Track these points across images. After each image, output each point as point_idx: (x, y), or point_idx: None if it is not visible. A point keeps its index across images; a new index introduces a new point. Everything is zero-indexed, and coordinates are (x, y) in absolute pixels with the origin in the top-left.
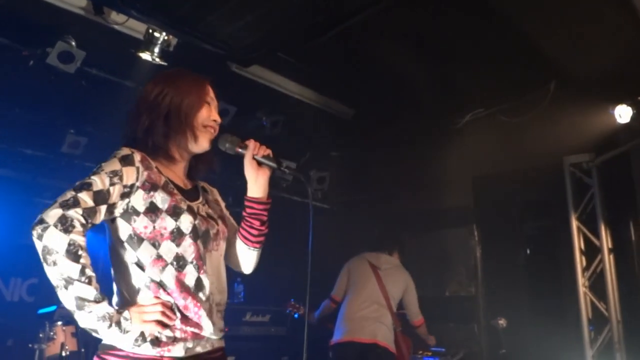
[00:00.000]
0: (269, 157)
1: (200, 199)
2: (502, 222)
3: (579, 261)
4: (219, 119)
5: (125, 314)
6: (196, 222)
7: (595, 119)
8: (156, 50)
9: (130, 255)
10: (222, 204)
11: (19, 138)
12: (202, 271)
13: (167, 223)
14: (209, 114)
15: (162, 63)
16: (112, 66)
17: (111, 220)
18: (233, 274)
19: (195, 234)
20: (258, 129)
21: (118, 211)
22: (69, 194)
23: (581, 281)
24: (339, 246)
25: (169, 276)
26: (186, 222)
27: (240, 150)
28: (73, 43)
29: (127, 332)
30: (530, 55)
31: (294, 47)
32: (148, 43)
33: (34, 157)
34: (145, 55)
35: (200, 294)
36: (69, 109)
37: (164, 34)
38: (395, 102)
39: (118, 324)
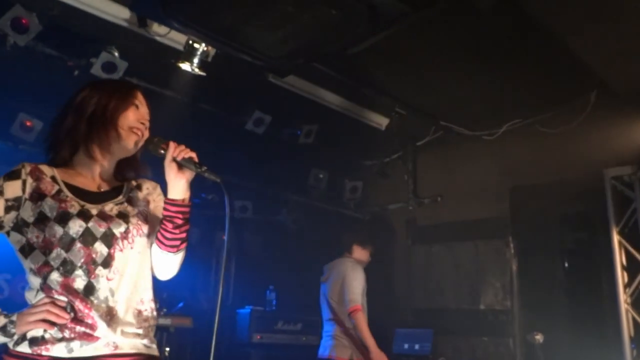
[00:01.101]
0: (190, 159)
1: (119, 197)
2: (540, 235)
3: (621, 277)
4: (146, 122)
5: (14, 317)
6: (89, 224)
7: (638, 130)
8: (195, 60)
9: (26, 263)
10: (156, 202)
11: None
12: (93, 276)
13: (56, 230)
14: (135, 116)
15: (201, 73)
16: (152, 76)
17: (7, 233)
18: (266, 281)
19: (87, 237)
20: (292, 137)
21: (8, 224)
22: None
23: (623, 297)
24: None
25: (53, 281)
26: (75, 227)
27: (162, 152)
28: (116, 54)
29: (13, 334)
30: (571, 65)
31: (331, 57)
32: (188, 54)
33: None
34: (185, 66)
35: (92, 298)
36: None
37: (203, 45)
38: (430, 111)
39: (2, 328)
